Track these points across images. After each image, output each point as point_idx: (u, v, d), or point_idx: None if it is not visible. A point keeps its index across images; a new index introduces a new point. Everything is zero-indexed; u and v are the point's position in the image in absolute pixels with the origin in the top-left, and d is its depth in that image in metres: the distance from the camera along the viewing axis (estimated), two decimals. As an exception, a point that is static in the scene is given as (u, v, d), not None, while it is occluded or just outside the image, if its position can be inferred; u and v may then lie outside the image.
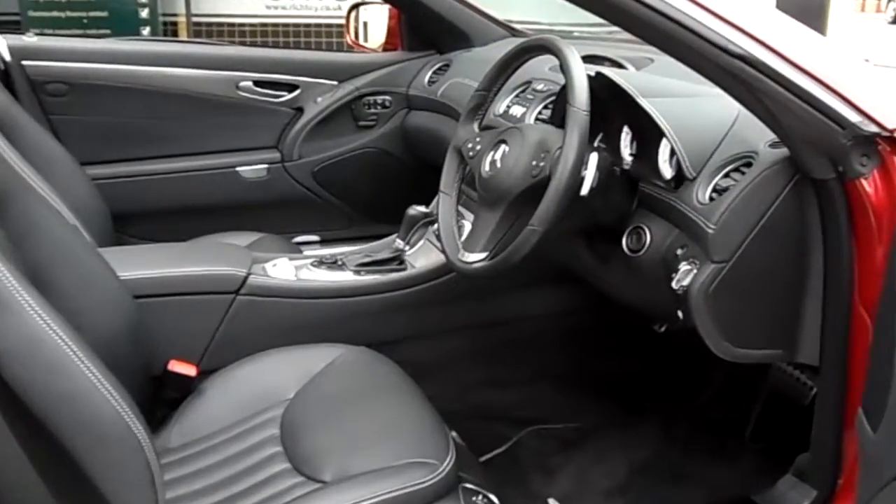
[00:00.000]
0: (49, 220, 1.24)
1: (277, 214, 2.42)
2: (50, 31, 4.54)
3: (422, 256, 1.76)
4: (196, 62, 2.29)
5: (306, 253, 2.23)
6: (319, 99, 2.41)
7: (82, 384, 0.90)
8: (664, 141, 1.29)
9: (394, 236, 1.82)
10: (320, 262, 1.70)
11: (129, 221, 2.24)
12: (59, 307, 1.19)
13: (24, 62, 2.12)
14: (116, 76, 2.20)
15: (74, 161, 1.99)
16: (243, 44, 4.97)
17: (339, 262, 1.70)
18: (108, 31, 4.87)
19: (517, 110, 1.74)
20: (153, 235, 2.27)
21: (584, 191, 1.27)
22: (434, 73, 2.38)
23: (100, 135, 2.22)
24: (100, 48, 2.27)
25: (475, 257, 1.36)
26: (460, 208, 1.55)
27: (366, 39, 2.80)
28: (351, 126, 2.46)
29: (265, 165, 2.39)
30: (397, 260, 1.74)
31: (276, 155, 2.41)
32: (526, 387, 1.90)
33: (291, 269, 1.66)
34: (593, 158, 1.28)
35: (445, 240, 1.46)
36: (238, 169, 2.37)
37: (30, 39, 2.16)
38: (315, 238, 2.52)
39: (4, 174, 1.18)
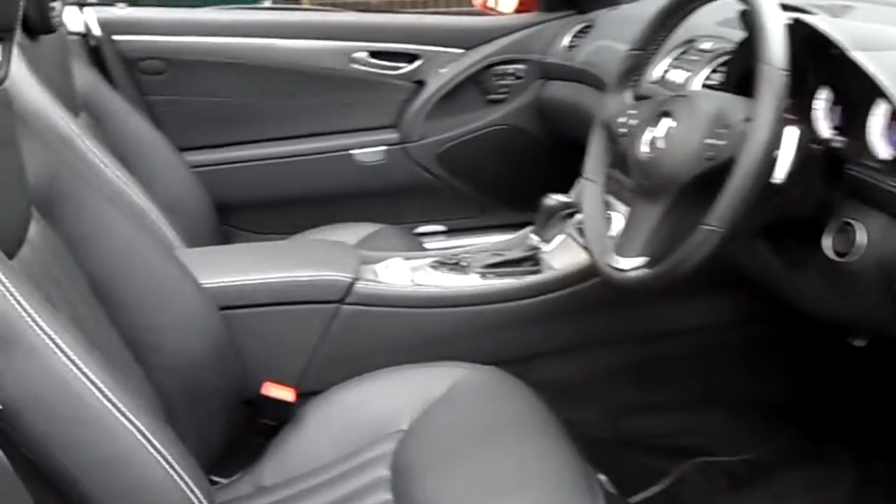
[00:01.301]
0: (116, 219, 1.12)
1: (397, 202, 2.31)
2: (171, 5, 4.56)
3: (561, 255, 1.55)
4: (304, 32, 2.18)
5: (430, 245, 2.10)
6: (443, 70, 2.27)
7: (123, 442, 0.75)
8: (880, 106, 1.03)
9: (527, 230, 1.63)
10: (440, 264, 1.52)
11: (232, 212, 2.18)
12: (130, 324, 1.10)
13: (116, 37, 2.04)
14: (218, 50, 2.12)
15: (172, 147, 1.93)
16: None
17: (463, 264, 1.51)
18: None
19: (677, 75, 1.50)
20: (259, 228, 2.20)
21: (779, 177, 1.03)
22: (574, 36, 2.17)
23: (200, 117, 2.15)
24: (199, 19, 2.19)
25: (631, 263, 1.13)
26: (609, 198, 1.33)
27: (496, 1, 2.61)
28: (479, 100, 2.31)
29: (383, 147, 2.28)
30: (532, 260, 1.54)
31: (394, 135, 2.29)
32: (688, 412, 1.68)
33: (406, 271, 1.49)
34: (790, 133, 1.03)
35: (592, 240, 1.24)
36: (353, 152, 2.26)
37: (121, 11, 2.09)
38: (440, 228, 2.40)
39: (61, 168, 1.05)
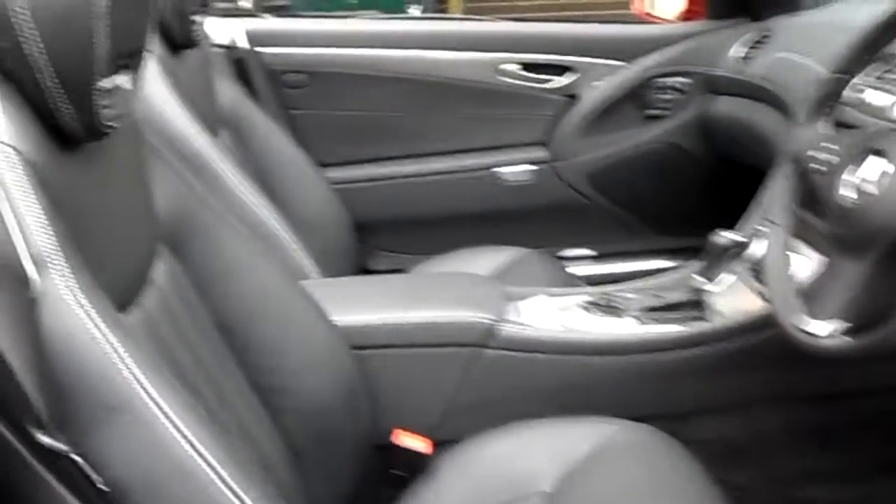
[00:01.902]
0: (250, 256, 1.08)
1: (544, 224, 2.19)
2: (313, 14, 4.61)
3: (730, 299, 1.39)
4: (450, 42, 2.10)
5: (576, 271, 1.98)
6: (598, 83, 2.13)
7: None
8: None
9: (688, 269, 1.47)
10: (592, 305, 1.38)
11: (370, 232, 2.12)
12: (258, 367, 1.05)
13: (259, 49, 2.01)
14: (361, 62, 2.06)
15: (313, 164, 1.89)
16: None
17: (618, 306, 1.37)
18: (374, 12, 4.88)
19: (878, 98, 1.30)
20: (398, 248, 2.13)
21: None
22: (749, 47, 1.99)
23: (341, 132, 2.11)
24: (344, 30, 2.14)
25: (826, 328, 0.97)
26: (797, 243, 1.17)
27: (658, 7, 2.46)
28: (637, 116, 2.16)
29: (531, 166, 2.17)
30: (695, 304, 1.38)
31: (543, 153, 2.17)
32: (865, 483, 1.49)
33: (554, 311, 1.36)
34: None
35: (775, 294, 1.09)
36: (498, 170, 2.16)
37: (268, 23, 2.07)
38: (588, 252, 2.25)
39: (193, 199, 1.00)
